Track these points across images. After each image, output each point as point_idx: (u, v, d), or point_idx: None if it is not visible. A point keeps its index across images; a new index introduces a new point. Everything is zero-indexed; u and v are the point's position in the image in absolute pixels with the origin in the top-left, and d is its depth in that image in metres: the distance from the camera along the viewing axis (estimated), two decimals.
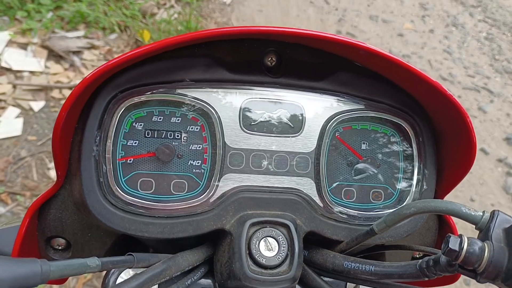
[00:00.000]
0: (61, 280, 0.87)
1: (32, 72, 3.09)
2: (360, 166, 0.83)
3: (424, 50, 4.23)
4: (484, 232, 0.57)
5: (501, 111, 3.71)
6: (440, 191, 0.86)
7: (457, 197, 3.01)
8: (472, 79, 3.99)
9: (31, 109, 2.89)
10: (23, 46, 3.24)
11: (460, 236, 0.56)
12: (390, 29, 4.44)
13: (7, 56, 3.12)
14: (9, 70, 3.05)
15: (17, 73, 3.05)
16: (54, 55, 3.24)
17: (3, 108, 2.85)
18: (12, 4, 3.40)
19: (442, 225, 0.90)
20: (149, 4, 3.89)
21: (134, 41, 3.57)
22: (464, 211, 0.60)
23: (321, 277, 0.77)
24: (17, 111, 2.85)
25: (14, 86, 2.97)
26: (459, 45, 4.38)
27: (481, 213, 0.59)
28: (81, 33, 3.47)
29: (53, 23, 3.43)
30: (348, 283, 0.80)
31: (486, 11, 4.94)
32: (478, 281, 0.56)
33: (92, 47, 3.39)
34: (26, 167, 2.60)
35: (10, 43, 3.22)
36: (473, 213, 0.59)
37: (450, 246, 0.54)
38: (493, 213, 0.58)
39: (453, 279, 0.88)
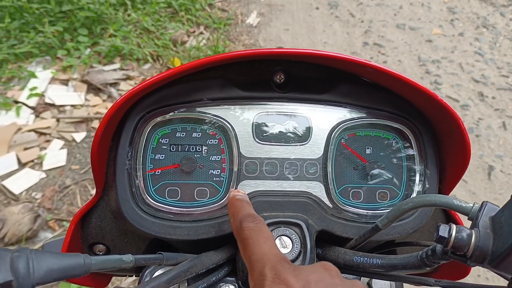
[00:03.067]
0: (103, 283, 0.95)
1: (73, 106, 3.29)
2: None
3: (454, 54, 4.19)
4: (474, 221, 0.60)
5: None
6: (444, 189, 0.90)
7: (496, 199, 2.94)
8: (507, 79, 3.90)
9: (73, 140, 3.07)
10: (65, 82, 3.46)
11: (450, 224, 0.59)
12: (418, 35, 4.42)
13: (51, 92, 3.34)
14: (52, 105, 3.26)
15: (60, 108, 3.26)
16: (93, 88, 3.44)
17: (48, 141, 3.04)
18: (53, 44, 3.65)
19: (450, 222, 0.93)
20: (179, 33, 4.07)
21: (166, 69, 3.73)
22: (455, 203, 0.64)
23: None
24: (61, 143, 3.04)
25: (58, 120, 3.18)
26: (491, 46, 4.30)
27: (471, 204, 0.62)
28: (117, 65, 3.67)
29: (91, 58, 3.65)
30: (361, 277, 0.85)
31: None
32: (468, 265, 0.60)
33: (128, 78, 3.57)
34: (71, 195, 2.76)
35: (52, 80, 3.45)
36: (464, 205, 0.63)
37: (440, 233, 0.59)
38: (482, 203, 0.61)
39: (464, 274, 0.90)
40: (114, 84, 3.49)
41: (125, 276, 1.02)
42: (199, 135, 0.86)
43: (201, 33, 4.24)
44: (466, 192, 2.98)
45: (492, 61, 4.11)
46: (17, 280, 0.48)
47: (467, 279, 0.88)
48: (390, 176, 0.89)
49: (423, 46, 4.29)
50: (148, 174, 0.84)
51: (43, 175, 2.85)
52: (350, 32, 4.46)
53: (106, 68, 3.61)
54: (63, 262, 0.54)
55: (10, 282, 0.48)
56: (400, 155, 0.89)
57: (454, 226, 0.58)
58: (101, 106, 3.32)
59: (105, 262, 0.60)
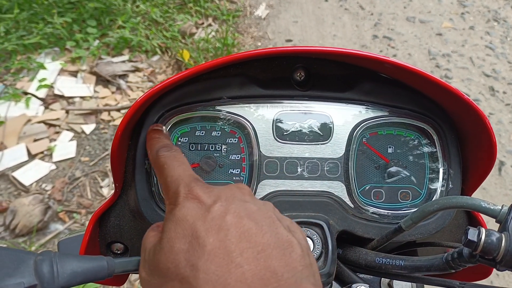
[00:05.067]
0: (120, 282, 0.95)
1: (82, 97, 3.29)
2: (393, 169, 0.87)
3: (465, 48, 4.15)
4: (503, 224, 0.59)
5: None
6: (467, 189, 0.88)
7: (507, 195, 2.92)
8: None
9: (83, 132, 3.08)
10: (74, 74, 3.46)
11: (479, 228, 0.58)
12: (428, 29, 4.38)
13: (60, 84, 3.34)
14: (61, 97, 3.26)
15: (69, 99, 3.26)
16: (102, 80, 3.44)
17: (58, 132, 3.05)
18: (62, 35, 3.64)
19: (472, 222, 0.91)
20: (187, 24, 4.05)
21: (175, 61, 3.72)
22: (483, 205, 0.62)
23: (357, 274, 0.82)
24: (70, 134, 3.04)
25: (67, 112, 3.18)
26: (502, 39, 4.26)
27: (500, 207, 0.61)
28: (125, 57, 3.66)
29: (99, 50, 3.64)
30: (382, 278, 0.84)
31: None
32: (498, 270, 0.59)
33: (136, 69, 3.57)
34: (80, 187, 2.77)
35: (61, 71, 3.45)
36: (492, 207, 0.61)
37: (469, 237, 0.57)
38: (511, 206, 0.60)
39: (486, 274, 0.89)
40: (123, 76, 3.49)
41: None
42: (218, 134, 0.85)
43: (210, 25, 4.22)
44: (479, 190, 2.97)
45: (503, 55, 4.07)
46: (42, 284, 0.48)
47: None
48: (408, 174, 0.87)
49: (433, 39, 4.26)
50: None
51: (53, 166, 2.86)
52: (360, 25, 4.42)
53: (115, 59, 3.61)
54: (87, 265, 0.53)
55: (34, 286, 0.48)
56: (422, 154, 0.88)
57: (483, 230, 0.57)
58: (110, 98, 3.31)
59: (128, 264, 0.59)
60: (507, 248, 0.55)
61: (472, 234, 0.57)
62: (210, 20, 4.27)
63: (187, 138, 0.85)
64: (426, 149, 0.87)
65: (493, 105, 3.59)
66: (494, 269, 0.63)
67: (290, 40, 4.17)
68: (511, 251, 0.55)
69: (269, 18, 4.43)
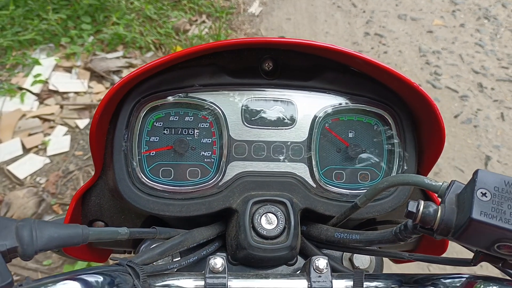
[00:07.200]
0: (103, 259, 1.01)
1: (77, 93, 3.34)
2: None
3: (455, 45, 4.21)
4: (442, 198, 0.65)
5: None
6: (422, 171, 0.95)
7: None
8: (506, 71, 3.92)
9: (77, 126, 3.13)
10: (68, 69, 3.50)
11: (418, 200, 0.64)
12: (420, 26, 4.44)
13: (54, 79, 3.39)
14: (56, 92, 3.31)
15: (63, 95, 3.31)
16: (96, 76, 3.49)
17: (52, 127, 3.10)
18: (57, 32, 3.69)
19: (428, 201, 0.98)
20: (181, 21, 4.10)
21: None
22: (426, 181, 0.69)
23: (320, 249, 0.89)
24: (64, 129, 3.10)
25: (61, 107, 3.23)
26: (492, 37, 4.32)
27: (441, 183, 0.67)
28: (120, 53, 3.71)
29: (94, 46, 3.69)
30: (344, 253, 0.91)
31: None
32: (435, 238, 0.65)
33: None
34: (74, 180, 2.83)
35: (56, 67, 3.49)
36: (433, 183, 0.68)
37: (409, 208, 0.64)
38: (450, 182, 0.66)
39: (442, 251, 0.96)
40: (117, 72, 3.53)
41: (124, 252, 1.08)
42: (191, 119, 0.92)
43: (203, 21, 4.27)
44: (464, 182, 3.02)
45: (492, 53, 4.13)
46: (22, 246, 0.54)
47: None
48: (378, 160, 0.94)
49: (424, 37, 4.31)
50: (144, 155, 0.90)
51: (47, 160, 2.91)
52: (352, 22, 4.47)
53: (109, 55, 3.65)
54: (63, 231, 0.60)
55: (15, 248, 0.54)
56: (381, 138, 0.95)
57: (422, 202, 0.64)
58: (104, 93, 3.36)
59: (101, 233, 0.66)
60: (442, 217, 0.61)
61: (411, 205, 0.63)
62: (204, 17, 4.32)
63: (161, 123, 0.91)
64: (384, 134, 0.95)
65: (481, 101, 3.65)
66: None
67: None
68: (445, 221, 0.61)
69: (262, 15, 4.48)
